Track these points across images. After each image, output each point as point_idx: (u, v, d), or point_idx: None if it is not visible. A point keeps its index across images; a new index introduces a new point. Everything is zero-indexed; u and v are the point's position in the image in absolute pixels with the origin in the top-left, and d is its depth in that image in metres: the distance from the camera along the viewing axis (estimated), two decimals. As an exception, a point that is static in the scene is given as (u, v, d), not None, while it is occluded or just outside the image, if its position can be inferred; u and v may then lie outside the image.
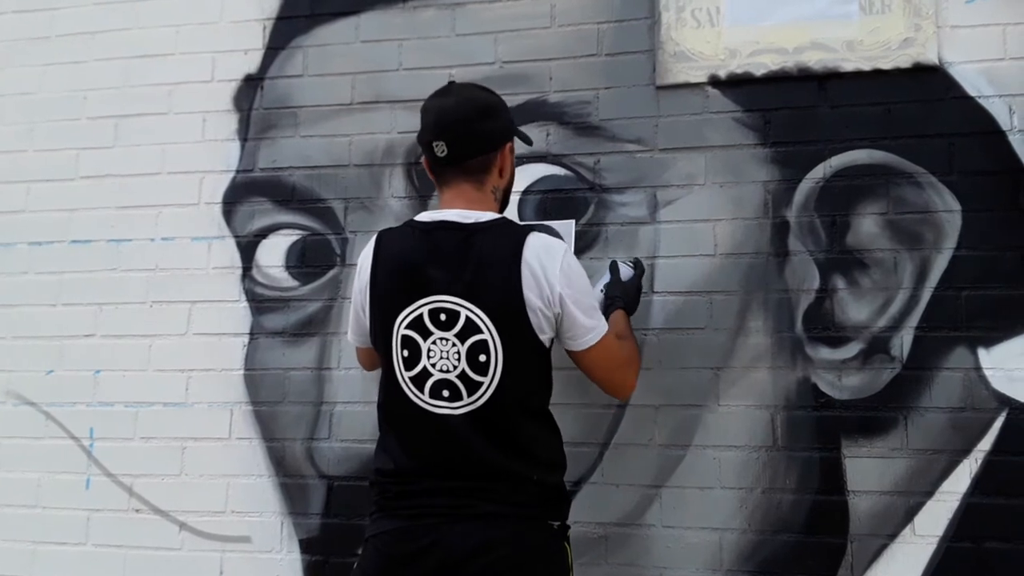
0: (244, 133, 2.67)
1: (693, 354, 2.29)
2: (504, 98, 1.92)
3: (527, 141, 1.99)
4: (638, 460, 2.28)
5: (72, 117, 2.81)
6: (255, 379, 2.56)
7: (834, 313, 2.24)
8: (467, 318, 1.71)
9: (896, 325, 2.21)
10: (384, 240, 1.84)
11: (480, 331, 1.70)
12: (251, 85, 2.69)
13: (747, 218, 2.32)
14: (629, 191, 2.38)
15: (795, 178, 2.31)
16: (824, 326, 2.25)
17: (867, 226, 2.26)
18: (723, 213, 2.33)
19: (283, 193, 2.62)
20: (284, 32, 2.69)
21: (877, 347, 2.21)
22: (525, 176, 2.42)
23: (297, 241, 2.59)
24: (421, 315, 1.73)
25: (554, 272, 1.72)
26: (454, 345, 1.71)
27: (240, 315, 2.59)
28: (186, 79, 2.75)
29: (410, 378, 1.75)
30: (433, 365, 1.72)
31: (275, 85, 2.68)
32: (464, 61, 2.52)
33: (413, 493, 1.73)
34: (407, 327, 1.74)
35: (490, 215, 1.80)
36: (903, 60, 2.28)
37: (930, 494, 2.14)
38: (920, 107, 2.26)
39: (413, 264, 1.76)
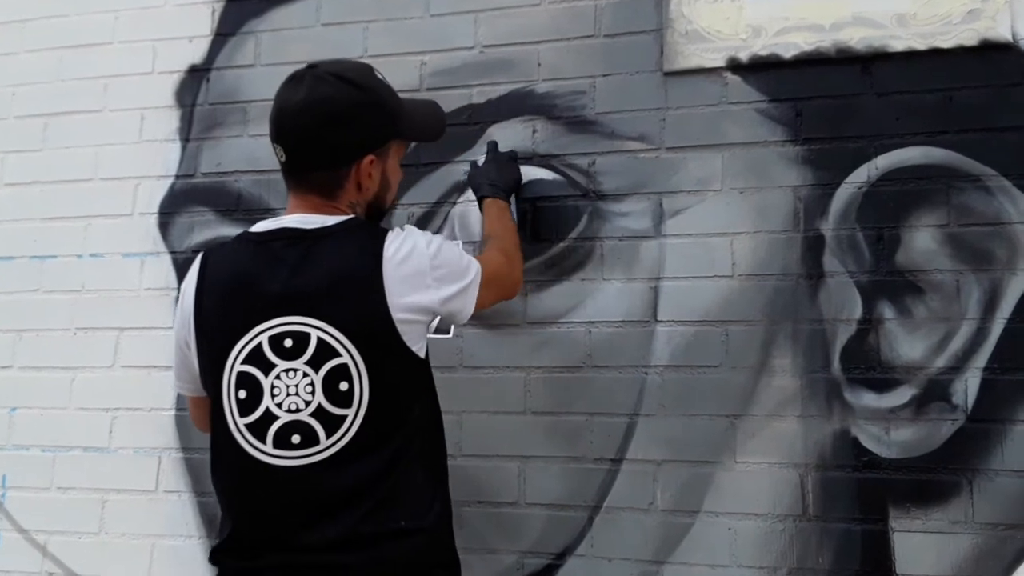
0: (186, 132, 2.50)
1: (704, 398, 2.10)
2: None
3: (422, 137, 1.84)
4: (635, 528, 2.08)
5: (-1, 116, 2.69)
6: (187, 421, 2.29)
7: (880, 349, 2.03)
8: (319, 340, 1.52)
9: (959, 365, 2.00)
10: (211, 258, 1.65)
11: (338, 354, 1.51)
12: (195, 77, 2.52)
13: (773, 231, 2.12)
14: (630, 198, 2.19)
15: (833, 182, 2.11)
16: (868, 365, 2.04)
17: (922, 241, 2.05)
18: (743, 225, 2.14)
19: (227, 201, 2.44)
20: (235, 15, 2.52)
21: (934, 393, 2.00)
22: (507, 181, 2.28)
23: (242, 258, 2.38)
24: (260, 344, 1.53)
25: (425, 275, 1.57)
26: (305, 376, 1.51)
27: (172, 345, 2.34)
28: (123, 71, 2.58)
29: (247, 426, 1.53)
30: (279, 405, 1.52)
31: (222, 76, 2.50)
32: (439, 45, 2.35)
33: (256, 571, 1.54)
34: (243, 361, 1.54)
35: (338, 218, 1.60)
36: (967, 36, 2.07)
37: (1002, 580, 1.93)
38: (989, 94, 2.05)
39: (245, 283, 1.57)
